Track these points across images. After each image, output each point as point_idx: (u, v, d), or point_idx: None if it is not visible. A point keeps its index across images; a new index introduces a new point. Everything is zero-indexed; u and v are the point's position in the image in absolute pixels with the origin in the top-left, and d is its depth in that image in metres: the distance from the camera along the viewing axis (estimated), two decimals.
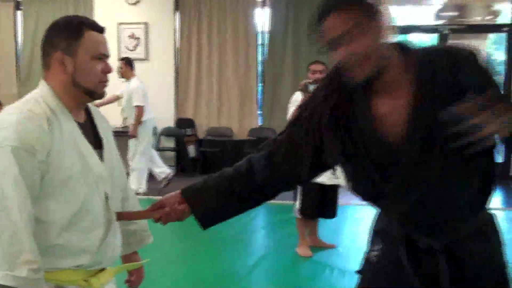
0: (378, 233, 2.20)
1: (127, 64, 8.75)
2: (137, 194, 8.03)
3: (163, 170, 9.09)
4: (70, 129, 2.09)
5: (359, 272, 2.24)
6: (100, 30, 2.16)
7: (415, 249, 2.04)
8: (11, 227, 1.90)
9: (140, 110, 8.64)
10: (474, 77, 1.81)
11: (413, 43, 1.96)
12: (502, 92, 1.82)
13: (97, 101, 2.22)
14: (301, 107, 2.13)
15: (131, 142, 8.80)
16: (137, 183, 8.74)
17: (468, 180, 1.94)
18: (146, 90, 8.79)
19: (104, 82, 2.15)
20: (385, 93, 1.93)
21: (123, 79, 8.76)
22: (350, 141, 1.98)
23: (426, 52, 1.92)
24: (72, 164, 2.06)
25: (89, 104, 2.27)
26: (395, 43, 1.93)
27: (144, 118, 8.73)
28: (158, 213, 2.18)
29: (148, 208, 2.22)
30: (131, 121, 8.77)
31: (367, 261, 2.20)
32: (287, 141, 2.13)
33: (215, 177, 2.21)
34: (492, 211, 2.10)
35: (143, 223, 2.52)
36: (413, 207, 1.98)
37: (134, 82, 8.70)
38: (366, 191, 2.06)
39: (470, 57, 1.85)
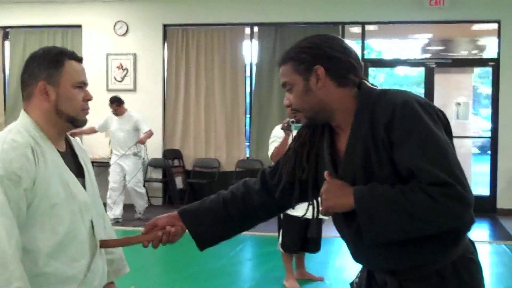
0: None
1: (115, 102, 9.12)
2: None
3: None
4: (53, 158, 2.11)
5: None
6: (79, 59, 2.22)
7: (375, 281, 2.15)
8: (0, 255, 1.88)
9: (151, 132, 9.32)
10: (399, 135, 1.88)
11: (371, 87, 2.04)
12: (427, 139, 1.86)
13: (76, 130, 2.27)
14: (290, 145, 2.29)
15: (135, 165, 9.24)
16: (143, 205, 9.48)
17: None
18: None
19: (85, 109, 2.20)
20: (341, 133, 2.08)
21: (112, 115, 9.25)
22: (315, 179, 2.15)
23: (377, 97, 1.98)
24: (57, 192, 2.06)
25: (68, 134, 2.30)
26: (357, 84, 2.05)
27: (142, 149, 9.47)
28: (148, 237, 2.22)
29: (142, 231, 2.24)
30: (131, 151, 9.18)
31: (351, 285, 2.32)
32: (278, 168, 2.27)
33: (211, 200, 2.31)
34: (470, 254, 2.06)
35: (120, 252, 2.51)
36: (355, 251, 2.14)
37: (134, 113, 9.28)
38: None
39: (402, 111, 1.88)
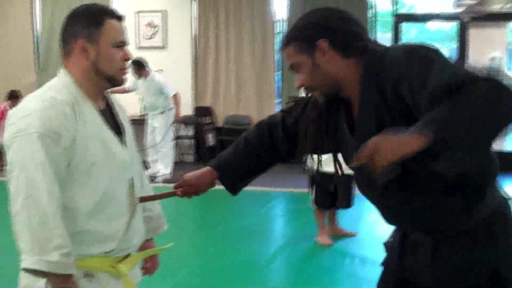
0: None
1: (136, 66, 8.84)
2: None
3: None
4: (92, 116, 2.11)
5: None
6: (120, 18, 2.19)
7: (409, 242, 2.15)
8: (41, 212, 1.91)
9: (178, 96, 9.29)
10: (410, 87, 1.78)
11: (374, 49, 1.98)
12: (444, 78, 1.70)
13: (108, 90, 2.26)
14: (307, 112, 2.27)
15: (164, 121, 9.21)
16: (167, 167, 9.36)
17: (430, 191, 1.93)
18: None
19: (124, 69, 2.19)
20: (354, 103, 2.05)
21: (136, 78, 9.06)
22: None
23: (380, 59, 1.93)
24: (96, 151, 2.07)
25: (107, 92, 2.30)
26: (362, 49, 2.00)
27: (170, 105, 9.26)
28: (182, 189, 2.33)
29: (174, 186, 2.32)
30: (159, 111, 9.20)
31: (385, 245, 2.33)
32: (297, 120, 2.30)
33: (242, 151, 2.41)
34: (503, 210, 2.04)
35: (158, 210, 2.53)
36: (384, 214, 2.14)
37: (156, 77, 9.09)
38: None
39: (408, 62, 1.80)
